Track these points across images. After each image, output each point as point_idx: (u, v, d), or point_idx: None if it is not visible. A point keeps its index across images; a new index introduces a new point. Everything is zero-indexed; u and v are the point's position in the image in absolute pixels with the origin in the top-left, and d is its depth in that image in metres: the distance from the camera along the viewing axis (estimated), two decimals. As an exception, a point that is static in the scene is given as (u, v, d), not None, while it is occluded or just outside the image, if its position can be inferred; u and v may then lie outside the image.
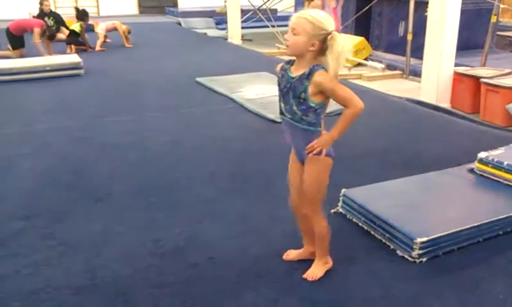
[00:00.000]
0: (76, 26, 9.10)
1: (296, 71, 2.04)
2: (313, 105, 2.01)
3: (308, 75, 1.99)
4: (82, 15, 9.32)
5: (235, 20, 11.34)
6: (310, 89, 1.99)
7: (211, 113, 5.09)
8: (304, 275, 2.29)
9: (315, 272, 2.30)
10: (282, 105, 2.11)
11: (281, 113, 2.13)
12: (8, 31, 8.24)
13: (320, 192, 2.18)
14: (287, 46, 2.04)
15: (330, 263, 2.34)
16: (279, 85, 2.12)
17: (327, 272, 2.31)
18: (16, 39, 8.28)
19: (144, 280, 2.30)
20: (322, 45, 1.98)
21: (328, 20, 1.98)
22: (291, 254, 2.44)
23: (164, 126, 4.66)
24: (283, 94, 2.09)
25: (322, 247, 2.30)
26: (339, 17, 3.82)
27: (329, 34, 1.96)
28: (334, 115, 4.35)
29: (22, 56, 8.00)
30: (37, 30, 8.15)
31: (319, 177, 2.15)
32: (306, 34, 1.97)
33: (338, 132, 2.06)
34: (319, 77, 1.98)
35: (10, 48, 8.39)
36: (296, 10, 13.49)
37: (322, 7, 5.66)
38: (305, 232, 2.38)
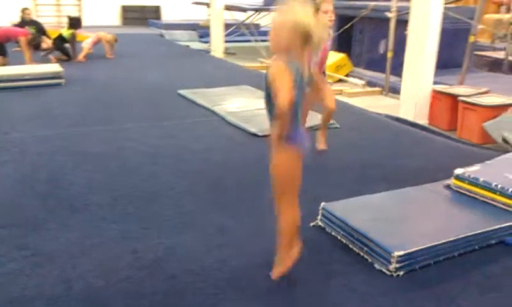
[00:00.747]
0: (67, 32, 8.98)
1: None
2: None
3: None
4: (75, 22, 9.18)
5: (218, 33, 11.40)
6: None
7: (192, 125, 5.09)
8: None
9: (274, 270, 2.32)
10: (264, 101, 2.17)
11: (266, 109, 2.19)
12: None
13: (284, 184, 2.17)
14: (270, 44, 2.10)
15: (287, 264, 2.30)
16: None
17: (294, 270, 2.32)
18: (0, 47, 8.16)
19: (122, 292, 2.27)
20: (302, 41, 2.01)
21: (306, 17, 2.01)
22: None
23: (145, 137, 4.63)
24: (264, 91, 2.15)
25: (281, 242, 2.28)
26: (327, 55, 3.96)
27: (308, 30, 1.99)
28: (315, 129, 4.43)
29: (5, 65, 7.87)
30: (23, 39, 8.05)
31: (279, 168, 2.15)
32: (286, 33, 2.00)
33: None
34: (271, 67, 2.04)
35: None
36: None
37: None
38: None
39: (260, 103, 5.69)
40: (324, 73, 4.11)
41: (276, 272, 2.32)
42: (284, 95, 1.95)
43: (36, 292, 2.25)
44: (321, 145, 4.18)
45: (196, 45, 12.80)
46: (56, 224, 2.90)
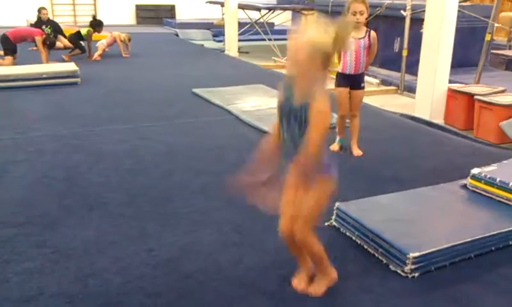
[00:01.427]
0: (84, 30, 9.10)
1: (298, 96, 1.98)
2: None
3: (309, 101, 1.94)
4: (96, 23, 9.28)
5: (232, 32, 11.40)
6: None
7: (207, 124, 5.11)
8: (308, 292, 2.26)
9: (317, 288, 2.26)
10: (284, 130, 2.07)
11: (283, 139, 2.10)
12: (5, 38, 8.17)
13: (319, 214, 2.15)
14: (287, 67, 2.01)
15: (333, 276, 2.30)
16: (280, 107, 2.08)
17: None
18: (12, 46, 8.25)
19: (137, 289, 2.30)
20: (323, 62, 1.94)
21: (325, 37, 1.91)
22: (301, 285, 2.32)
23: (160, 136, 4.67)
24: (286, 119, 2.04)
25: (321, 266, 2.27)
26: (361, 57, 4.04)
27: (329, 52, 1.92)
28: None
29: (13, 64, 7.95)
30: (39, 38, 8.15)
31: (321, 199, 2.12)
32: (306, 57, 1.91)
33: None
34: (316, 102, 1.94)
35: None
36: (293, 24, 13.60)
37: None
38: (299, 255, 2.32)
39: (274, 102, 5.69)
40: (357, 75, 4.11)
41: (321, 289, 2.27)
42: (316, 149, 1.95)
43: (54, 289, 2.28)
44: (355, 151, 4.20)
45: (210, 44, 12.83)
46: (73, 222, 2.93)
